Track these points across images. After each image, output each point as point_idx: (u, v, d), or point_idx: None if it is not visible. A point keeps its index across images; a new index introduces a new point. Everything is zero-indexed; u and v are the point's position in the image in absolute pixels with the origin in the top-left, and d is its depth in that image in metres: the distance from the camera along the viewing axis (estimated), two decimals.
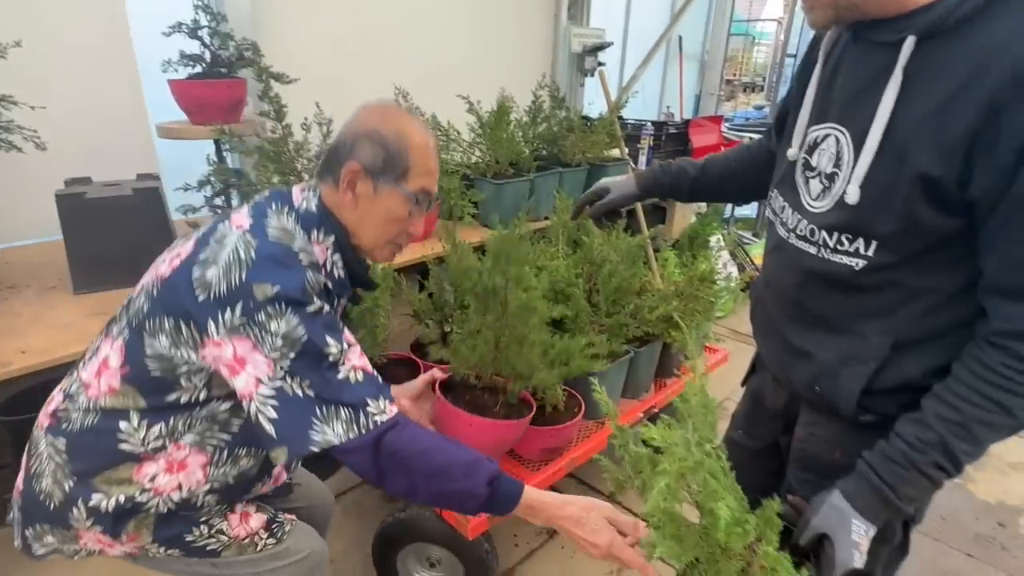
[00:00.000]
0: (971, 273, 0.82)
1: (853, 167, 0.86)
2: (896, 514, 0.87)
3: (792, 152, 0.99)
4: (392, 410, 0.98)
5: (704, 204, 4.51)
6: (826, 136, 0.92)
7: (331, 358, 0.96)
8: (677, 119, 4.48)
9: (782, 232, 1.02)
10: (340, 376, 0.96)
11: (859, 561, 0.87)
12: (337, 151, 1.07)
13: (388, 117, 1.07)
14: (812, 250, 0.95)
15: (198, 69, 2.09)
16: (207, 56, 2.07)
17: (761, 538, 0.82)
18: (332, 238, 1.07)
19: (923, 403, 0.85)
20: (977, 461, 0.83)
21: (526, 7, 3.80)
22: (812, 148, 0.95)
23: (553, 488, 1.38)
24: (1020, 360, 0.76)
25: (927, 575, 1.99)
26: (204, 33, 2.05)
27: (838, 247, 0.91)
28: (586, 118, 3.97)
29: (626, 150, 3.21)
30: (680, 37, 5.38)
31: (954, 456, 0.81)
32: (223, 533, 1.13)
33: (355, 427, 0.94)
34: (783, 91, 1.44)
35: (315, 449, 0.93)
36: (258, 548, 1.16)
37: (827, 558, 0.88)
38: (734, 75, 9.67)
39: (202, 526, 1.11)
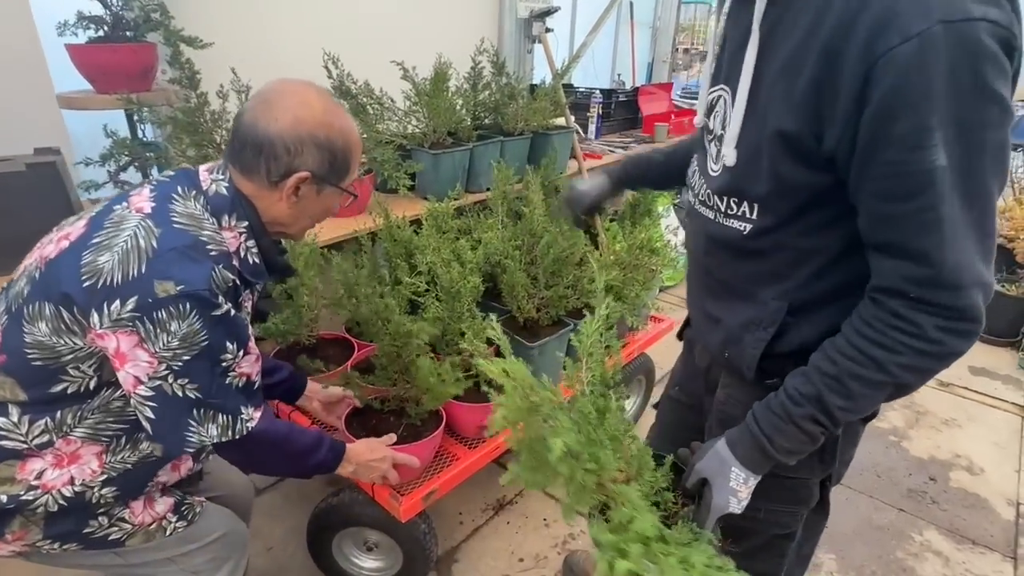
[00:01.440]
0: (853, 232, 0.79)
1: (729, 129, 0.86)
2: (773, 462, 0.87)
3: (698, 118, 0.99)
4: (258, 415, 1.03)
5: None
6: (718, 98, 0.93)
7: (224, 363, 0.96)
8: (628, 87, 4.42)
9: (691, 198, 1.03)
10: (227, 382, 0.97)
11: (736, 507, 0.89)
12: (272, 147, 0.97)
13: (331, 116, 1.01)
14: (710, 215, 0.95)
15: (101, 33, 1.92)
16: (108, 18, 1.90)
17: (630, 479, 0.87)
18: (245, 223, 1.01)
19: (811, 357, 0.84)
20: (854, 418, 0.83)
21: None
22: (710, 111, 0.96)
23: (497, 462, 1.45)
24: (892, 315, 0.74)
25: (862, 531, 2.05)
26: None
27: (728, 211, 0.91)
28: (534, 87, 3.89)
29: (572, 118, 3.14)
30: (632, 3, 5.29)
31: (828, 410, 0.80)
32: (125, 521, 1.06)
33: (229, 432, 0.99)
34: None
35: (190, 450, 0.97)
36: (167, 532, 1.10)
37: (705, 503, 0.90)
38: (692, 44, 9.67)
39: (100, 517, 1.03)
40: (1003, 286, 3.31)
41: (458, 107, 2.49)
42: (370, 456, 1.30)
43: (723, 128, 0.89)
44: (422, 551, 1.59)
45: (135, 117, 2.01)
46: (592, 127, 3.73)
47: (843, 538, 2.01)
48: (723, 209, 0.92)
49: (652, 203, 2.23)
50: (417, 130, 2.38)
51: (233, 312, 0.95)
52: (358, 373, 1.51)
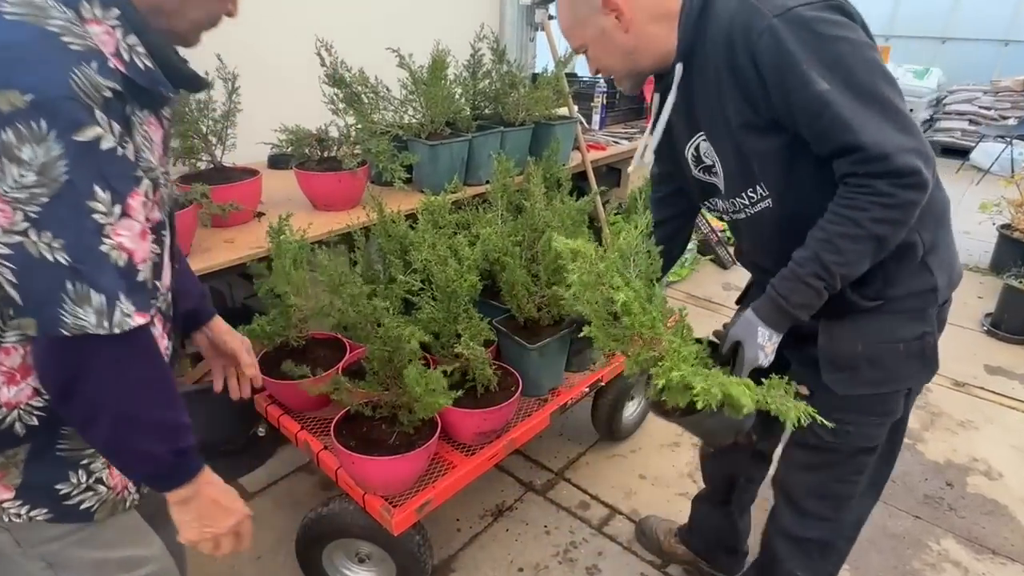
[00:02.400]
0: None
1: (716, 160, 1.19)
2: (791, 319, 1.08)
3: (693, 171, 1.25)
4: (141, 319, 0.75)
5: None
6: (698, 143, 1.19)
7: (96, 216, 0.71)
8: None
9: (724, 216, 1.28)
10: (101, 248, 0.71)
11: (764, 360, 1.11)
12: None
13: None
14: (744, 215, 1.20)
15: None
16: None
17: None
18: (116, 13, 0.76)
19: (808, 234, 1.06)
20: (848, 272, 1.03)
21: None
22: (697, 161, 1.22)
23: (497, 465, 1.36)
24: (855, 188, 0.98)
25: (876, 539, 1.97)
26: None
27: (751, 200, 1.16)
28: (536, 76, 3.77)
29: (575, 108, 3.04)
30: None
31: (826, 265, 1.01)
32: (103, 483, 0.91)
33: (105, 321, 0.71)
34: None
35: (66, 333, 0.71)
36: (127, 505, 0.95)
37: (740, 359, 1.11)
38: None
39: (80, 471, 0.89)
40: (1020, 281, 3.21)
41: (457, 96, 2.40)
42: (222, 498, 0.93)
43: (711, 159, 1.17)
44: (416, 563, 1.52)
45: None
46: (596, 117, 3.63)
47: (857, 547, 1.90)
48: (746, 203, 1.17)
49: None
50: (414, 120, 2.28)
51: (111, 144, 0.71)
52: (347, 379, 1.42)
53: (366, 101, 2.20)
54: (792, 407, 1.00)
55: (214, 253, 1.72)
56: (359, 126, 2.15)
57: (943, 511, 2.10)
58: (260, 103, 2.36)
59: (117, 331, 0.72)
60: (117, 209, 0.72)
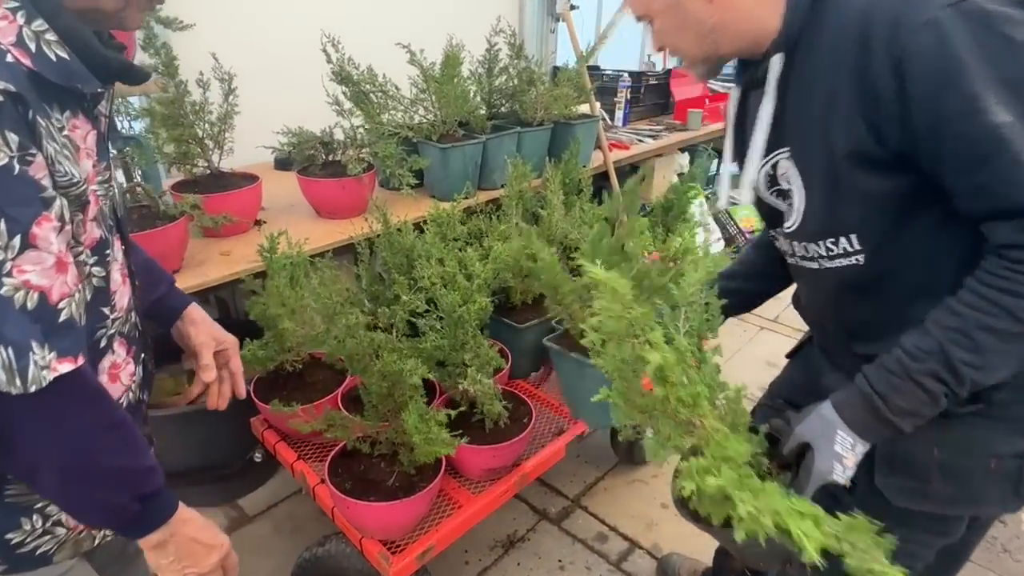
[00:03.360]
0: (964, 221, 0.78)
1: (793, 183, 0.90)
2: (888, 428, 0.80)
3: (748, 196, 0.99)
4: (66, 366, 0.63)
5: (687, 163, 4.19)
6: (777, 160, 0.93)
7: None
8: (659, 69, 4.10)
9: (790, 259, 1.03)
10: (1, 291, 0.59)
11: (840, 475, 0.83)
12: None
13: None
14: (815, 266, 0.95)
15: None
16: None
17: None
18: None
19: (928, 314, 0.79)
20: (983, 378, 0.75)
21: None
22: (770, 182, 0.96)
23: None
24: (1020, 263, 0.71)
25: None
26: None
27: (830, 253, 0.91)
28: (557, 69, 3.60)
29: (598, 105, 2.87)
30: None
31: (952, 365, 0.75)
32: (61, 525, 0.80)
33: (16, 379, 0.59)
34: None
35: None
36: (95, 542, 0.86)
37: (806, 467, 0.84)
38: None
39: (34, 515, 0.78)
40: None
41: (471, 94, 2.25)
42: (201, 535, 0.84)
43: (789, 183, 0.90)
44: None
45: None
46: (619, 113, 3.45)
47: None
48: (823, 253, 0.91)
49: (686, 204, 1.97)
50: (425, 120, 2.14)
51: (2, 160, 0.58)
52: (343, 412, 1.30)
53: (374, 100, 2.06)
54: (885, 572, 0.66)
55: (208, 267, 1.61)
56: (366, 127, 2.02)
57: (996, 552, 1.92)
58: (267, 100, 2.25)
59: (34, 388, 0.60)
60: (17, 241, 0.59)
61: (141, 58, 1.69)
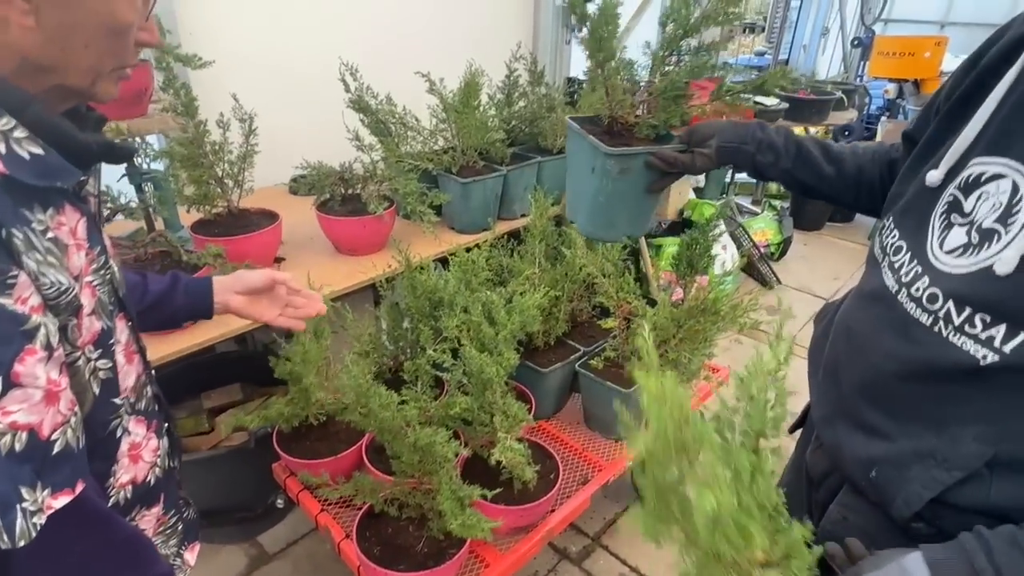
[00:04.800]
0: None
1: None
2: None
3: (934, 176, 0.75)
4: (63, 499, 0.60)
5: (702, 178, 4.14)
6: (997, 176, 0.68)
7: None
8: None
9: (890, 282, 0.79)
10: None
11: None
12: None
13: None
14: (927, 321, 0.72)
15: None
16: None
17: (771, 563, 0.64)
18: None
19: None
20: None
21: None
22: (969, 186, 0.71)
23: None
24: None
25: None
26: None
27: (966, 328, 0.68)
28: (572, 80, 3.55)
29: None
30: None
31: None
32: None
33: (5, 535, 0.56)
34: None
35: None
36: None
37: None
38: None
39: None
40: None
41: (490, 121, 2.21)
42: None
43: (997, 221, 0.66)
44: None
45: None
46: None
47: None
48: (957, 323, 0.69)
49: (710, 244, 1.93)
50: (445, 152, 2.11)
51: None
52: (370, 477, 1.28)
53: (393, 132, 2.03)
54: None
55: (228, 316, 1.59)
56: (384, 158, 1.99)
57: None
58: (285, 128, 2.22)
59: (23, 543, 0.56)
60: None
61: (159, 97, 1.67)
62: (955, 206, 0.72)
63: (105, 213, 1.42)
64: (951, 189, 0.73)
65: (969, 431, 0.70)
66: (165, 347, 1.46)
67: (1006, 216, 0.66)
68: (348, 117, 1.97)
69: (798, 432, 1.09)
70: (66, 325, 0.66)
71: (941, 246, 0.73)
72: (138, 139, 1.68)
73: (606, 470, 1.67)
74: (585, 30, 1.14)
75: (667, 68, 1.19)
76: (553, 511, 1.52)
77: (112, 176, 1.66)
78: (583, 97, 2.36)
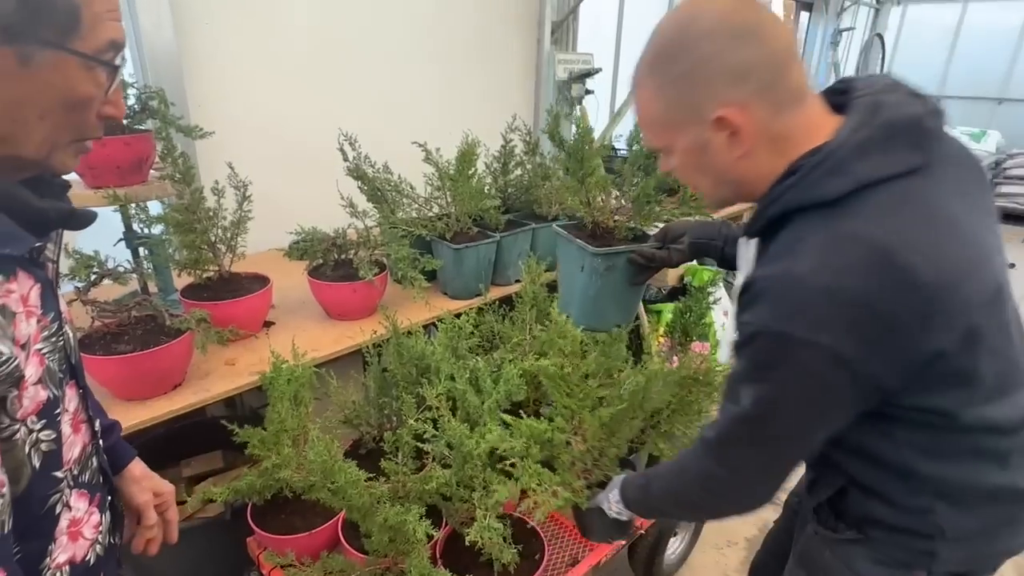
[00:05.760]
0: None
1: None
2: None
3: None
4: None
5: None
6: None
7: None
8: None
9: None
10: None
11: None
12: None
13: None
14: None
15: None
16: None
17: None
18: None
19: None
20: None
21: (503, 32, 3.48)
22: None
23: None
24: None
25: None
26: None
27: None
28: (598, 177, 3.63)
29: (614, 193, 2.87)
30: None
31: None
32: None
33: None
34: None
35: None
36: None
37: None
38: None
39: None
40: None
41: (486, 187, 2.25)
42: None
43: None
44: None
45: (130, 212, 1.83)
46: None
47: None
48: None
49: (704, 310, 1.91)
50: (439, 218, 2.13)
51: None
52: (342, 557, 1.21)
53: (389, 199, 2.07)
54: None
55: (211, 380, 1.57)
56: (377, 225, 2.02)
57: None
58: (281, 192, 2.27)
59: None
60: None
61: (159, 164, 1.71)
62: None
63: (92, 278, 1.43)
64: None
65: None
66: (144, 412, 1.44)
67: None
68: (345, 184, 2.02)
69: None
70: (5, 397, 0.63)
71: None
72: (136, 206, 1.72)
73: (598, 550, 1.58)
74: (563, 153, 1.41)
75: (635, 180, 1.41)
76: None
77: (108, 240, 1.68)
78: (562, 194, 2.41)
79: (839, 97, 0.84)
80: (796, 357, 0.75)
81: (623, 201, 1.39)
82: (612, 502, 1.17)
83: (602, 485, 1.40)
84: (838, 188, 0.75)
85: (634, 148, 1.39)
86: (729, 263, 1.23)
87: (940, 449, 0.85)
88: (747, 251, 0.94)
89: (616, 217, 1.38)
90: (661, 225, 1.42)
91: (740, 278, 0.96)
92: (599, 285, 1.27)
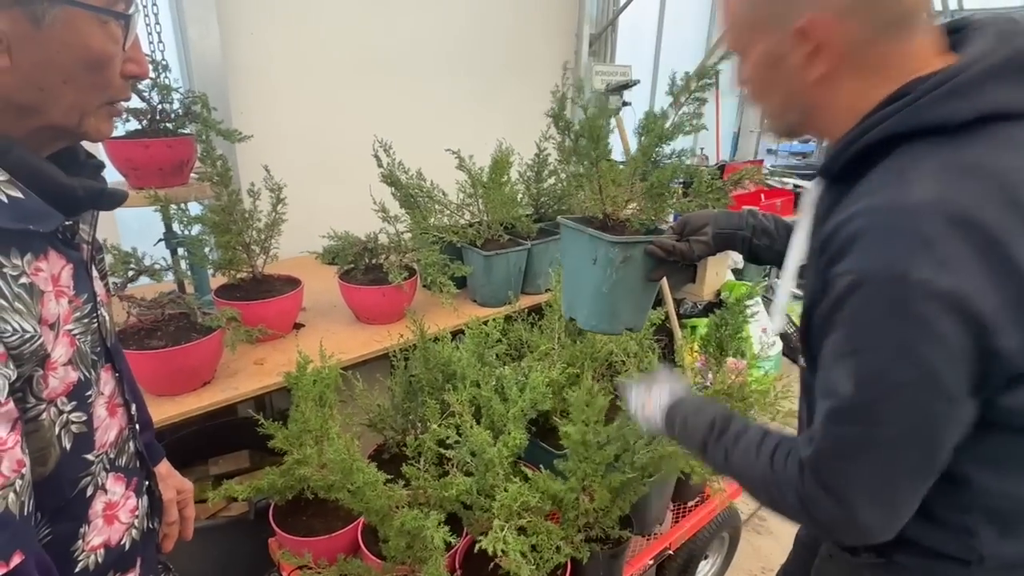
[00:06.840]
0: None
1: None
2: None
3: None
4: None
5: (740, 259, 4.05)
6: None
7: None
8: (712, 162, 4.06)
9: None
10: None
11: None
12: None
13: None
14: None
15: (142, 125, 1.81)
16: (148, 111, 1.79)
17: None
18: None
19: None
20: None
21: (540, 45, 3.49)
22: None
23: None
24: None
25: None
26: (144, 84, 1.77)
27: None
28: (611, 162, 3.61)
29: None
30: (717, 71, 4.98)
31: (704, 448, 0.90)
32: None
33: None
34: None
35: None
36: None
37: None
38: None
39: None
40: None
41: (519, 196, 2.24)
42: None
43: None
44: None
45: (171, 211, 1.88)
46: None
47: None
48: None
49: (741, 324, 1.83)
50: (471, 225, 2.12)
51: None
52: (359, 562, 1.19)
53: (421, 205, 2.07)
54: None
55: (240, 379, 1.58)
56: (411, 232, 2.02)
57: None
58: (317, 196, 2.30)
59: None
60: None
61: (198, 166, 1.75)
62: None
63: (129, 274, 1.46)
64: None
65: None
66: (173, 408, 1.46)
67: None
68: (378, 190, 2.03)
69: None
70: (31, 376, 0.63)
71: None
72: (173, 206, 1.76)
73: (627, 566, 1.52)
74: (568, 140, 1.30)
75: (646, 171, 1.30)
76: None
77: (149, 239, 1.73)
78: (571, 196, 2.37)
79: (953, 36, 0.70)
80: (917, 309, 0.58)
81: (633, 192, 1.29)
82: (652, 406, 0.97)
83: (600, 540, 1.36)
84: (961, 113, 0.61)
85: (642, 140, 1.27)
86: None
87: (1007, 456, 0.70)
88: (809, 199, 0.79)
89: (631, 205, 1.27)
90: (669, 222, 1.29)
91: (791, 260, 0.84)
92: (613, 280, 1.11)
